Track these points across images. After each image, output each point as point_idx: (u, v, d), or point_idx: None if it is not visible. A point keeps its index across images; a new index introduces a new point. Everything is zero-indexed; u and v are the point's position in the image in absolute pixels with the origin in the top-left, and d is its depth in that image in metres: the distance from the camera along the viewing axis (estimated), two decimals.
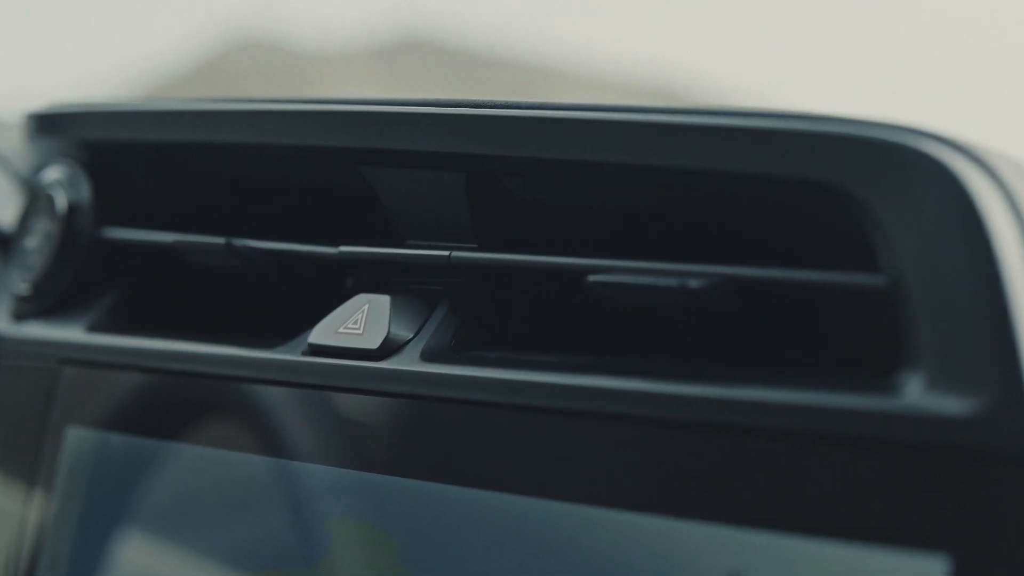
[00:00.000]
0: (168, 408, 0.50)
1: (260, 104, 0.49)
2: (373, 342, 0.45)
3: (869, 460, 0.34)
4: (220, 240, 0.50)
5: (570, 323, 0.44)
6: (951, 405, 0.32)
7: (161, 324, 0.55)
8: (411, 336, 0.44)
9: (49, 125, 0.60)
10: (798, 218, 0.38)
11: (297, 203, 0.53)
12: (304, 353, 0.46)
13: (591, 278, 0.40)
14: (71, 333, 0.55)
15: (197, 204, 0.56)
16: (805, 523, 0.34)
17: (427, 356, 0.44)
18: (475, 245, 0.45)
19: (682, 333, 0.41)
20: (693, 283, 0.38)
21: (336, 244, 0.49)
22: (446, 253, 0.45)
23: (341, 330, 0.46)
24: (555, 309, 0.44)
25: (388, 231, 0.49)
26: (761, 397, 0.35)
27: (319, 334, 0.46)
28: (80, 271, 0.56)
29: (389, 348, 0.44)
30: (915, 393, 0.33)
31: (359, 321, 0.45)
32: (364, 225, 0.50)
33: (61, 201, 0.57)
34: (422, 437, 0.43)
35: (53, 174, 0.58)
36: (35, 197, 0.58)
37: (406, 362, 0.44)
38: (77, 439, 0.53)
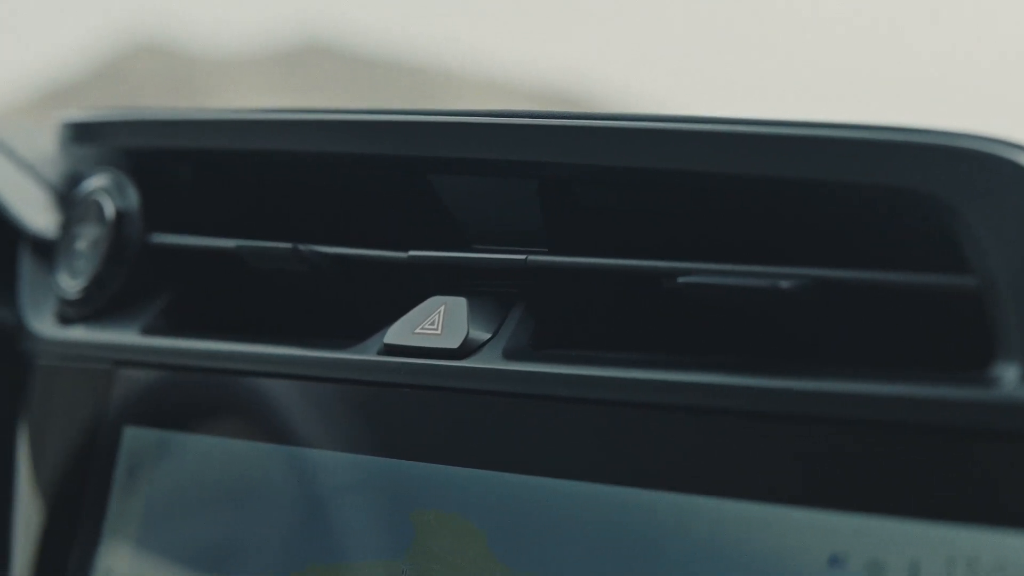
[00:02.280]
0: (235, 408, 0.52)
1: (328, 115, 0.51)
2: (453, 342, 0.47)
3: (967, 447, 0.36)
4: (287, 245, 0.52)
5: (643, 324, 0.46)
6: None
7: (212, 326, 0.56)
8: (489, 336, 0.47)
9: (89, 133, 0.62)
10: (883, 221, 0.41)
11: (350, 208, 0.55)
12: (380, 353, 0.48)
13: (682, 279, 0.42)
14: (125, 336, 0.56)
15: (246, 210, 0.57)
16: (905, 506, 0.37)
17: (509, 354, 0.46)
18: (545, 249, 0.48)
19: (762, 331, 0.44)
20: (784, 284, 0.41)
21: (397, 248, 0.51)
22: (522, 257, 0.47)
23: (418, 331, 0.48)
24: (629, 310, 0.47)
25: (444, 235, 0.51)
26: (858, 389, 0.38)
27: (396, 335, 0.48)
28: (130, 276, 0.58)
29: (469, 347, 0.46)
30: (1011, 384, 0.36)
31: (436, 322, 0.47)
32: (418, 229, 0.52)
33: (110, 208, 0.58)
34: (505, 432, 0.45)
35: (98, 181, 0.59)
36: (79, 204, 0.60)
37: (488, 360, 0.46)
38: (135, 438, 0.55)
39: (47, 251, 0.62)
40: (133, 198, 0.58)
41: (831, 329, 0.42)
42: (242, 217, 0.57)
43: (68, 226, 0.60)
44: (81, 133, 0.62)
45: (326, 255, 0.52)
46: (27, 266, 0.63)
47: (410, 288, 0.51)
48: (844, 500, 0.38)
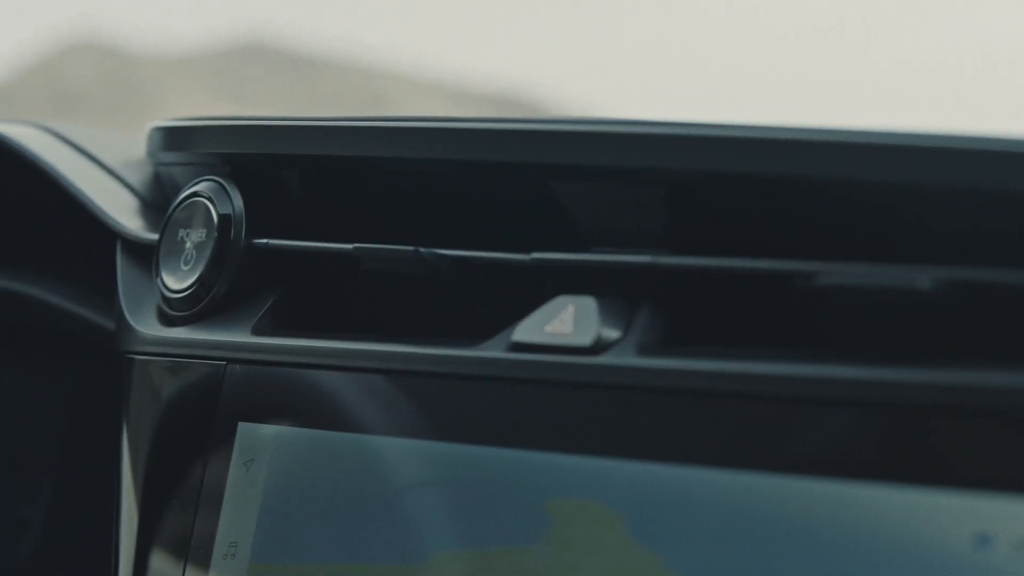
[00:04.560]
0: (358, 403, 0.54)
1: (449, 123, 0.54)
2: (585, 339, 0.49)
3: None
4: (408, 248, 0.54)
5: (770, 322, 0.49)
6: None
7: (319, 326, 0.59)
8: (620, 334, 0.49)
9: (187, 138, 0.64)
10: (1016, 224, 0.44)
11: (460, 211, 0.57)
12: (508, 350, 0.51)
13: (821, 280, 0.45)
14: (237, 335, 0.58)
15: (354, 213, 0.59)
16: None
17: (642, 351, 0.48)
18: (664, 249, 0.50)
19: (891, 328, 0.46)
20: (922, 284, 0.43)
21: (515, 250, 0.53)
22: (648, 258, 0.50)
23: (548, 329, 0.50)
24: (756, 310, 0.49)
25: (557, 237, 0.54)
26: (1002, 381, 0.41)
27: (524, 333, 0.51)
28: (234, 278, 0.60)
29: (602, 344, 0.49)
30: None
31: (566, 321, 0.50)
32: (529, 231, 0.55)
33: (215, 212, 0.60)
34: (640, 424, 0.47)
35: (201, 185, 0.62)
36: (182, 208, 0.62)
37: (622, 356, 0.48)
38: (250, 433, 0.57)
39: (143, 253, 0.64)
40: (238, 202, 0.60)
41: (963, 327, 0.45)
42: (349, 220, 0.59)
43: (170, 229, 0.62)
44: (178, 139, 0.64)
45: (447, 257, 0.54)
46: (125, 268, 0.64)
47: (519, 289, 0.53)
48: (990, 481, 0.41)
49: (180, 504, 0.58)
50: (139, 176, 0.70)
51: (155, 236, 0.64)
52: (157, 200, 0.69)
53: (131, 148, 0.72)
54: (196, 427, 0.58)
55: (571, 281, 0.52)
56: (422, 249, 0.54)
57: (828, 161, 0.46)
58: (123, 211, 0.67)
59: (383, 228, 0.58)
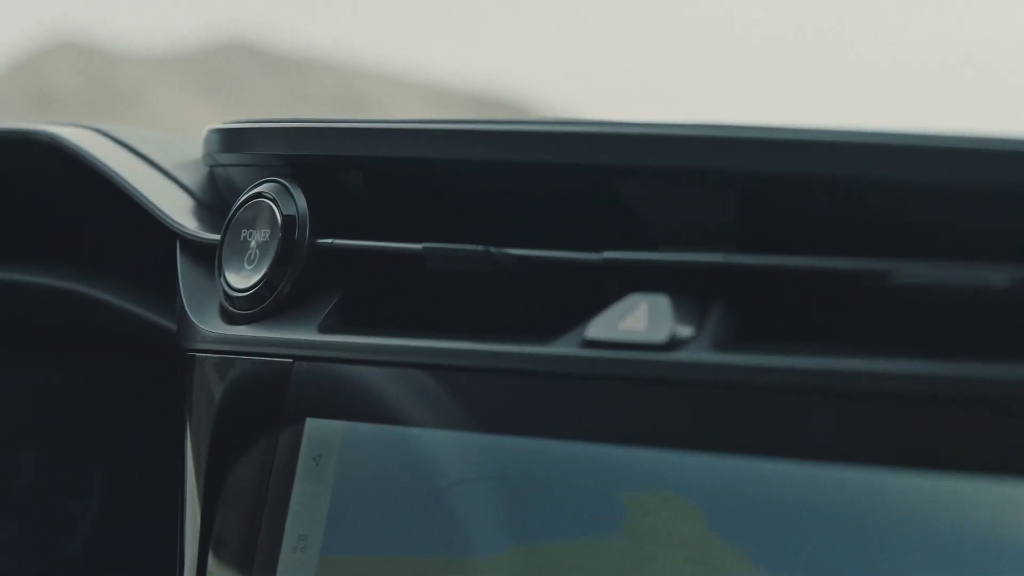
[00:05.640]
0: (428, 400, 0.55)
1: (522, 126, 0.55)
2: (660, 336, 0.51)
3: None
4: (478, 247, 0.56)
5: (843, 319, 0.51)
6: None
7: (384, 324, 0.60)
8: (694, 331, 0.51)
9: (247, 140, 0.65)
10: None
11: (524, 211, 0.58)
12: (582, 347, 0.52)
13: (895, 278, 0.47)
14: (304, 333, 0.59)
15: (417, 213, 0.61)
16: None
17: (718, 347, 0.50)
18: (733, 248, 0.52)
19: (962, 324, 0.48)
20: (998, 282, 0.45)
21: (586, 249, 0.54)
22: (721, 257, 0.51)
23: (622, 326, 0.52)
24: (829, 307, 0.51)
25: (623, 236, 0.55)
26: None
27: (598, 329, 0.52)
28: (300, 277, 0.61)
29: (677, 341, 0.50)
30: None
31: (640, 318, 0.51)
32: (593, 231, 0.56)
33: (279, 212, 0.61)
34: (716, 418, 0.49)
35: (264, 186, 0.63)
36: (245, 208, 0.63)
37: (698, 353, 0.50)
38: (319, 428, 0.58)
39: (203, 252, 0.65)
40: (301, 203, 0.61)
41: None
42: (409, 219, 0.61)
43: (233, 229, 0.63)
44: (238, 141, 0.65)
45: (517, 257, 0.55)
46: (185, 267, 0.66)
47: (579, 288, 0.55)
48: None
49: (247, 499, 0.59)
50: (193, 177, 0.71)
51: (214, 236, 0.65)
52: (211, 200, 0.70)
53: (182, 149, 0.74)
54: (262, 423, 0.59)
55: (636, 280, 0.53)
56: (492, 249, 0.55)
57: (897, 163, 0.48)
58: (180, 211, 0.68)
59: (444, 227, 0.60)
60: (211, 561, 0.60)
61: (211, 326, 0.63)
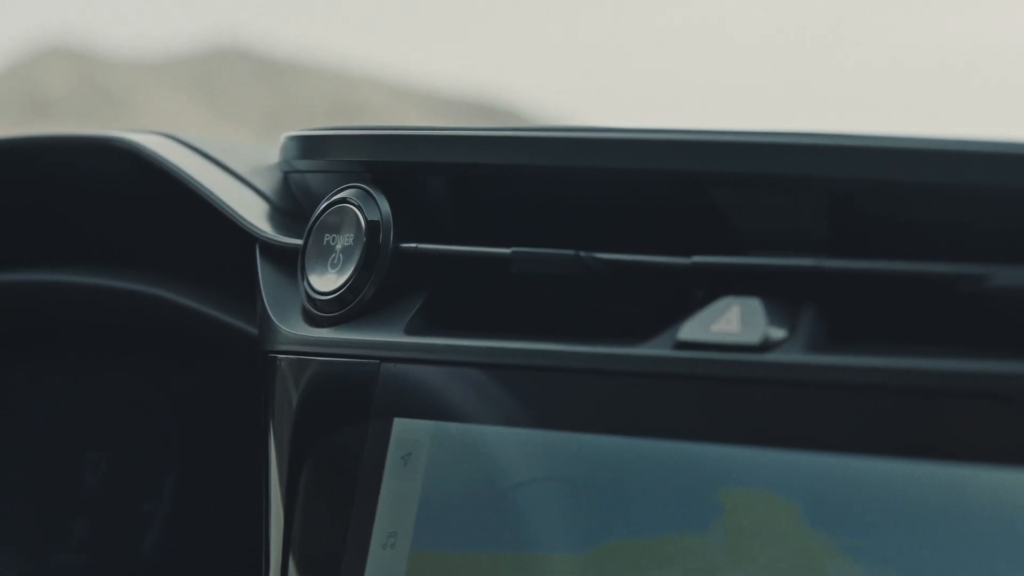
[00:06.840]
0: (515, 400, 0.57)
1: (611, 133, 0.57)
2: (753, 338, 0.52)
3: None
4: (567, 252, 0.57)
5: (929, 322, 0.52)
6: None
7: (468, 326, 0.61)
8: (786, 333, 0.52)
9: (326, 147, 0.66)
10: None
11: (608, 217, 0.60)
12: (674, 348, 0.54)
13: (990, 282, 0.48)
14: (391, 335, 0.61)
15: (499, 218, 0.62)
16: None
17: (811, 348, 0.51)
18: (821, 253, 0.53)
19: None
20: None
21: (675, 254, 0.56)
22: (812, 261, 0.53)
23: (714, 328, 0.53)
24: (916, 310, 0.52)
25: (704, 240, 0.56)
26: None
27: (690, 331, 0.53)
28: (384, 281, 0.62)
29: (770, 343, 0.52)
30: None
31: (732, 320, 0.53)
32: (678, 236, 0.58)
33: (363, 217, 0.63)
34: (812, 418, 0.50)
35: (346, 192, 0.64)
36: (328, 214, 0.64)
37: (791, 354, 0.51)
38: (407, 428, 0.59)
39: (283, 256, 0.67)
40: (385, 208, 0.63)
41: None
42: (490, 223, 0.62)
43: (316, 233, 0.65)
44: (317, 147, 0.67)
45: (606, 261, 0.57)
46: (265, 271, 0.67)
47: (663, 292, 0.56)
48: None
49: (334, 498, 0.61)
50: (268, 182, 0.72)
51: (293, 240, 0.66)
52: (287, 206, 0.71)
53: (253, 155, 0.75)
54: (348, 423, 0.61)
55: (723, 285, 0.55)
56: (582, 253, 0.57)
57: (984, 170, 0.49)
58: (258, 216, 0.69)
59: (527, 231, 0.61)
60: (298, 558, 0.62)
61: (294, 328, 0.64)
